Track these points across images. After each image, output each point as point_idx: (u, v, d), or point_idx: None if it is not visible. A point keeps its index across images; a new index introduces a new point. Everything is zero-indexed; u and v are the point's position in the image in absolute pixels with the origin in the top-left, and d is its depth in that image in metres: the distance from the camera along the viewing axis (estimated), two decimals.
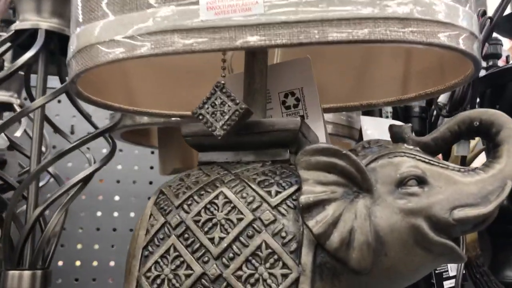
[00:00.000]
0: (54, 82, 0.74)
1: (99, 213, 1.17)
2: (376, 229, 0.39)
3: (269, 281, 0.39)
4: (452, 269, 0.82)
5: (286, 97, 0.55)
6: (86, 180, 0.71)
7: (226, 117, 0.44)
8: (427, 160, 0.42)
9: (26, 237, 0.65)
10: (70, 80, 0.50)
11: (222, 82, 0.45)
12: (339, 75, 0.67)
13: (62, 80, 0.73)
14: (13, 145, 0.77)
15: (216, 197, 0.43)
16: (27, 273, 0.66)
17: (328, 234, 0.39)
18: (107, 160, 0.73)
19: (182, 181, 0.47)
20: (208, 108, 0.44)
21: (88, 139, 0.67)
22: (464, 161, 0.94)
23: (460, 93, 0.89)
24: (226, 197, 0.43)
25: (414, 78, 0.63)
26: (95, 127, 0.74)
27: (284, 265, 0.39)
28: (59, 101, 1.11)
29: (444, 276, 0.79)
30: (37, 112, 0.68)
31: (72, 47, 0.48)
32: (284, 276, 0.39)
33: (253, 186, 0.43)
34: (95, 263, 1.14)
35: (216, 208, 0.43)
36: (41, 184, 0.80)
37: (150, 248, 0.44)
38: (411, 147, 0.43)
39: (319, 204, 0.40)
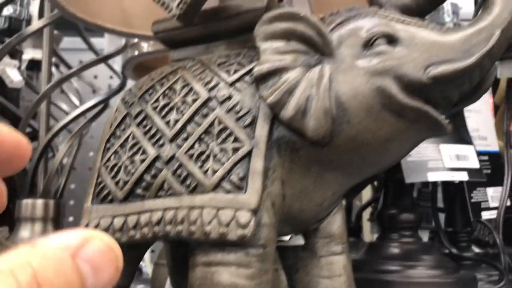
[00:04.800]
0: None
1: None
2: (337, 94, 0.34)
3: (219, 156, 0.35)
4: (494, 199, 0.73)
5: None
6: (100, 109, 0.71)
7: None
8: (402, 20, 0.36)
9: (37, 163, 0.66)
10: None
11: None
12: None
13: None
14: (28, 85, 0.79)
15: (176, 82, 0.41)
16: (40, 202, 0.67)
17: (283, 103, 0.35)
18: (117, 91, 0.73)
19: (149, 76, 0.45)
20: None
21: (90, 64, 0.66)
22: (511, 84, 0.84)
23: None
24: (184, 80, 0.40)
25: None
26: (97, 53, 0.73)
27: (236, 139, 0.36)
28: None
29: (482, 207, 0.71)
30: (46, 31, 0.69)
31: None
32: (235, 150, 0.35)
33: (213, 67, 0.40)
34: None
35: (174, 92, 0.40)
36: None
37: (112, 140, 0.42)
38: (389, 10, 0.37)
39: (275, 73, 0.35)
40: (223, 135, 0.36)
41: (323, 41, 0.36)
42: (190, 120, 0.38)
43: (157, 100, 0.40)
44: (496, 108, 0.93)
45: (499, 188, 0.73)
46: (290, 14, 0.36)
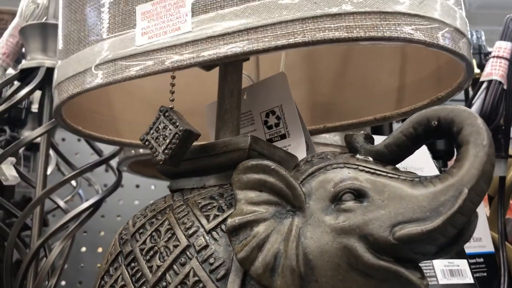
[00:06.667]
0: None
1: (99, 250, 1.19)
2: (305, 251, 0.35)
3: None
4: None
5: (268, 116, 0.53)
6: (92, 210, 0.72)
7: (167, 141, 0.42)
8: (372, 171, 0.36)
9: (27, 267, 0.67)
10: (55, 113, 0.51)
11: (171, 106, 0.45)
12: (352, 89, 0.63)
13: None
14: (24, 180, 0.80)
15: (162, 224, 0.42)
16: None
17: (252, 259, 0.35)
18: (112, 190, 0.74)
19: (145, 209, 0.46)
20: (153, 133, 0.43)
21: (89, 167, 0.68)
22: (503, 182, 0.85)
23: (489, 105, 0.81)
24: (169, 223, 0.41)
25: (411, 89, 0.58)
26: (99, 154, 0.75)
27: None
28: None
29: None
30: (43, 139, 0.71)
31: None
32: None
33: (195, 211, 0.41)
34: None
35: (159, 235, 0.41)
36: None
37: (105, 278, 0.43)
38: (362, 157, 0.38)
39: (246, 226, 0.36)
40: None
41: (293, 193, 0.37)
42: (170, 267, 0.39)
43: (144, 242, 0.41)
44: (490, 199, 0.93)
45: None
46: (262, 166, 0.38)
